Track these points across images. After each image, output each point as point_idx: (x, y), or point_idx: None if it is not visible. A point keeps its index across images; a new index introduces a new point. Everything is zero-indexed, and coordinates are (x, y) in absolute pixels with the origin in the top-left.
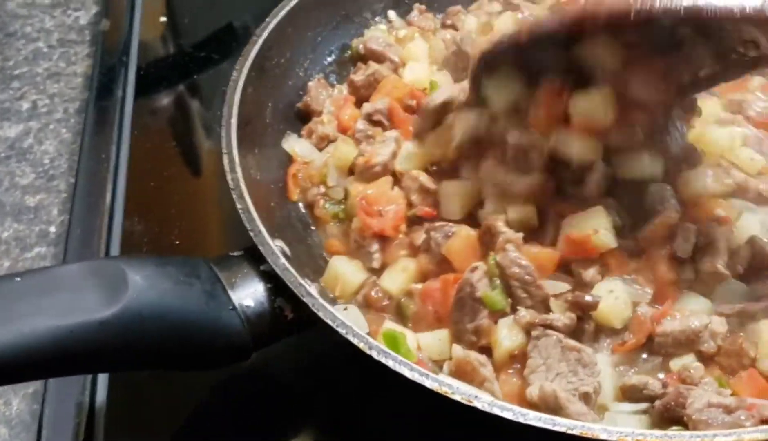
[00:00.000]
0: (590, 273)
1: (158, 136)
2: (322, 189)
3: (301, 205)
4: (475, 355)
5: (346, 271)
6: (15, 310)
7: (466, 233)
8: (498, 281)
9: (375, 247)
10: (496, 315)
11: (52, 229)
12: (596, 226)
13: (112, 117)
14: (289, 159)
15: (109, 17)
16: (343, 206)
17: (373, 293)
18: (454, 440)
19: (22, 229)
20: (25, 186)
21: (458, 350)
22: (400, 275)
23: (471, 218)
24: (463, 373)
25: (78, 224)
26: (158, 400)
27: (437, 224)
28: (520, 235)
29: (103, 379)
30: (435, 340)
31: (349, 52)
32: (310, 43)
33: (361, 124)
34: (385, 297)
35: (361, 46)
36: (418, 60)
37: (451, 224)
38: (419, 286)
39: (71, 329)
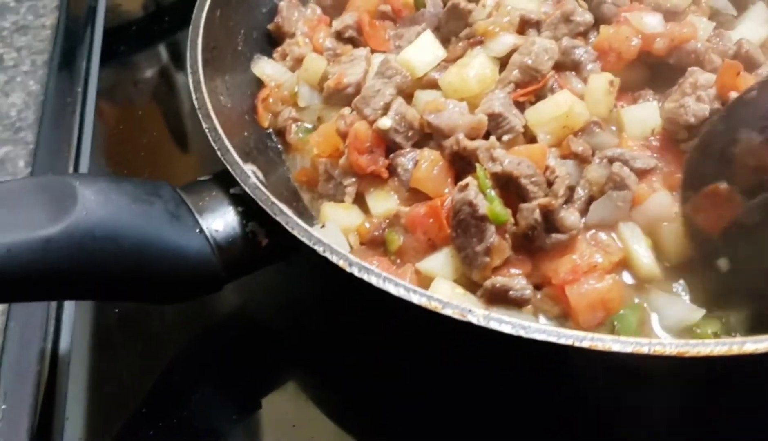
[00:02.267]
0: None
1: (126, 79)
2: (294, 113)
3: (272, 133)
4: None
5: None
6: None
7: (431, 157)
8: (492, 193)
9: (350, 180)
10: (501, 230)
11: None
12: None
13: (79, 61)
14: (261, 86)
15: None
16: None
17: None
18: (452, 364)
19: None
20: None
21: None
22: (387, 199)
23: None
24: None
25: (42, 170)
26: (130, 348)
27: (404, 151)
28: (496, 141)
29: (67, 324)
30: (441, 265)
31: None
32: None
33: (329, 42)
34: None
35: None
36: None
37: (416, 150)
38: (406, 209)
39: (8, 247)
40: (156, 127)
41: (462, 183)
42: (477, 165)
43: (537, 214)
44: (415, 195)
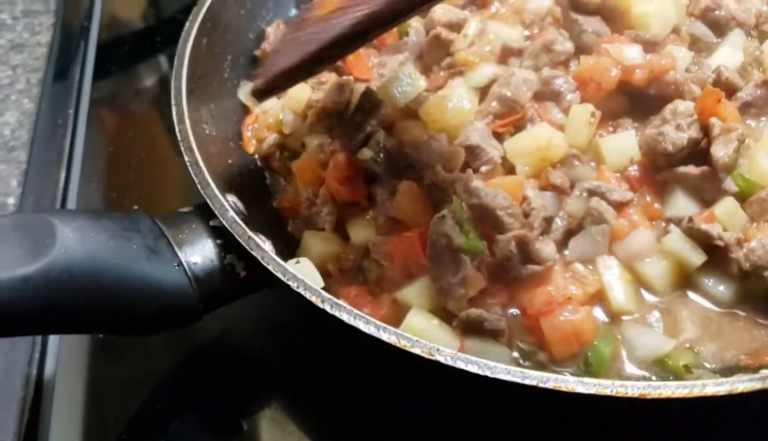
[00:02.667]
0: None
1: (118, 102)
2: (279, 139)
3: (257, 159)
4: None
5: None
6: None
7: (409, 189)
8: (467, 226)
9: (330, 208)
10: (477, 261)
11: (11, 200)
12: None
13: (71, 83)
14: (246, 112)
15: None
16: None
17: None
18: (426, 394)
19: None
20: None
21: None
22: (366, 227)
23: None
24: None
25: (31, 191)
26: (114, 374)
27: (384, 181)
28: (472, 173)
29: (52, 351)
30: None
31: None
32: None
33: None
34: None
35: None
36: None
37: (395, 180)
38: (384, 238)
39: None
40: (145, 149)
41: (438, 215)
42: (453, 197)
43: (512, 246)
44: (394, 224)
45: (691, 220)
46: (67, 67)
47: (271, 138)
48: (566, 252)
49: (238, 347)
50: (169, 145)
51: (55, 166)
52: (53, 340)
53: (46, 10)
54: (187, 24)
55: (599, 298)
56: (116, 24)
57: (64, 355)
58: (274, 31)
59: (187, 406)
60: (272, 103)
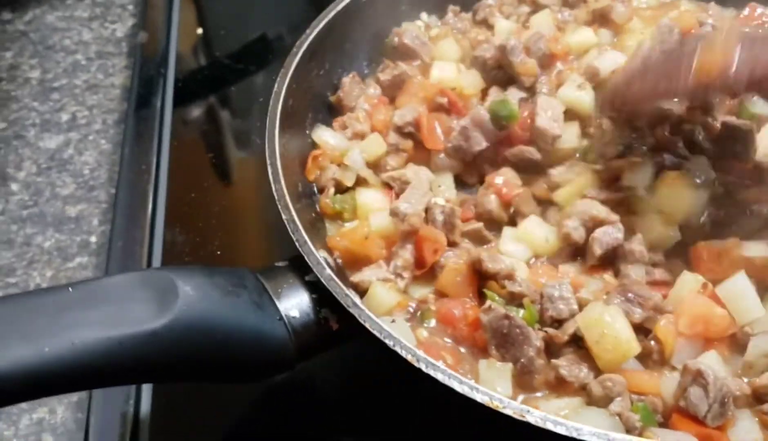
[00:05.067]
0: None
1: (197, 147)
2: (337, 173)
3: (315, 188)
4: None
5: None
6: (67, 321)
7: (454, 265)
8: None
9: (408, 274)
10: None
11: (93, 238)
12: None
13: (152, 128)
14: (313, 146)
15: (146, 29)
16: (346, 206)
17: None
18: None
19: (63, 239)
20: (66, 196)
21: None
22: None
23: None
24: None
25: (120, 236)
26: (201, 411)
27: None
28: (512, 266)
29: (147, 389)
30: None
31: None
32: (348, 55)
33: (392, 137)
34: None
35: (396, 38)
36: (447, 59)
37: (447, 250)
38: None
39: (120, 340)
40: (227, 196)
41: (485, 307)
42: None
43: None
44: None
45: None
46: (146, 112)
47: (331, 170)
48: None
49: (316, 389)
50: (250, 191)
51: (140, 211)
52: None
53: (119, 52)
54: (276, 86)
55: None
56: (188, 68)
57: (157, 393)
58: (348, 82)
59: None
60: (344, 145)
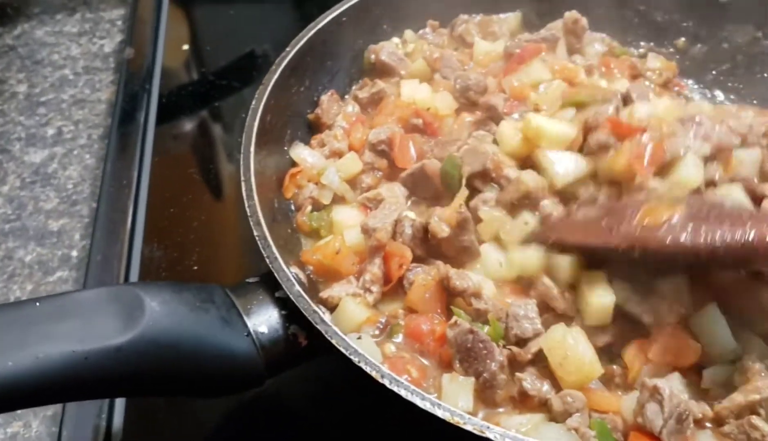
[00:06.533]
0: None
1: (179, 162)
2: (315, 191)
3: (292, 205)
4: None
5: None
6: (32, 335)
7: (423, 281)
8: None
9: (377, 288)
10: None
11: (74, 253)
12: None
13: (134, 143)
14: (291, 163)
15: (133, 45)
16: (323, 223)
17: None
18: None
19: (45, 253)
20: (49, 210)
21: None
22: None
23: None
24: None
25: (99, 250)
26: (174, 425)
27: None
28: (479, 284)
29: (120, 404)
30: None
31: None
32: (329, 72)
33: (368, 156)
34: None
35: (372, 56)
36: (419, 79)
37: (417, 266)
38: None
39: (86, 355)
40: (205, 211)
41: (451, 322)
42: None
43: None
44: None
45: None
46: (129, 127)
47: (308, 189)
48: None
49: (286, 404)
50: (229, 207)
51: (120, 226)
52: None
53: (106, 68)
54: (254, 101)
55: None
56: (174, 84)
57: (130, 407)
58: (327, 100)
59: None
60: (322, 163)
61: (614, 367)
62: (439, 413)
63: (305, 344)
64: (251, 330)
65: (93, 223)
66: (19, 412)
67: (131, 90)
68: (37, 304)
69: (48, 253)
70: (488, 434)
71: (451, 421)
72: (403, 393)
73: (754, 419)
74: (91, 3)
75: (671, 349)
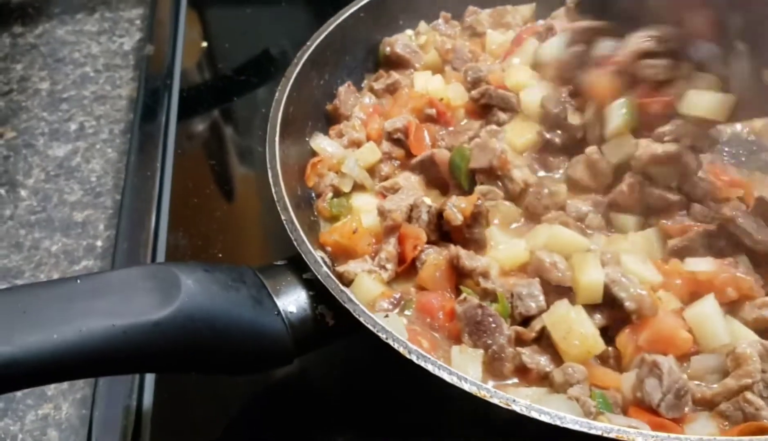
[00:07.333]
0: None
1: (200, 155)
2: (335, 179)
3: (313, 193)
4: None
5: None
6: (75, 310)
7: (434, 261)
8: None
9: (392, 266)
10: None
11: (99, 243)
12: None
13: (157, 137)
14: (312, 153)
15: (153, 43)
16: (343, 209)
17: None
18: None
19: (70, 243)
20: (73, 202)
21: None
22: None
23: None
24: None
25: (125, 238)
26: (202, 405)
27: (424, 245)
28: (487, 264)
29: (149, 384)
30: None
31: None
32: (346, 65)
33: (386, 146)
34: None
35: (387, 48)
36: (431, 70)
37: (429, 247)
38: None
39: (125, 329)
40: (228, 200)
41: (460, 299)
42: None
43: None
44: None
45: None
46: (152, 121)
47: (329, 177)
48: None
49: (312, 385)
50: (251, 198)
51: (145, 215)
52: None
53: (126, 65)
54: (277, 94)
55: None
56: (193, 81)
57: (160, 387)
58: (344, 91)
59: (270, 433)
60: (341, 152)
61: (609, 348)
62: (465, 387)
63: (332, 324)
64: (281, 309)
65: (118, 213)
66: (49, 394)
67: (152, 86)
68: (78, 281)
69: (73, 243)
70: (514, 407)
71: (478, 395)
72: (430, 368)
73: (749, 395)
74: (111, 2)
75: (662, 339)
